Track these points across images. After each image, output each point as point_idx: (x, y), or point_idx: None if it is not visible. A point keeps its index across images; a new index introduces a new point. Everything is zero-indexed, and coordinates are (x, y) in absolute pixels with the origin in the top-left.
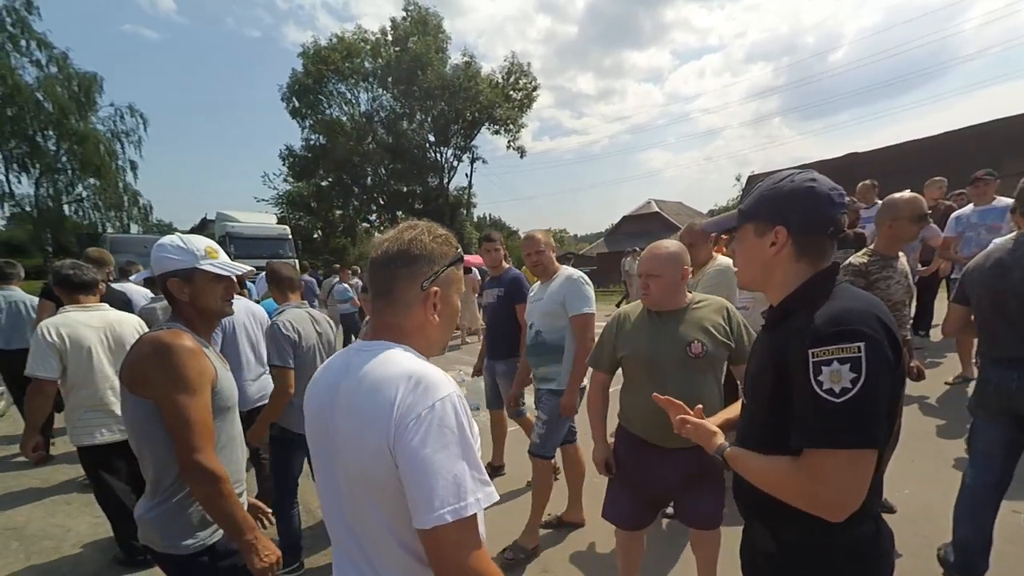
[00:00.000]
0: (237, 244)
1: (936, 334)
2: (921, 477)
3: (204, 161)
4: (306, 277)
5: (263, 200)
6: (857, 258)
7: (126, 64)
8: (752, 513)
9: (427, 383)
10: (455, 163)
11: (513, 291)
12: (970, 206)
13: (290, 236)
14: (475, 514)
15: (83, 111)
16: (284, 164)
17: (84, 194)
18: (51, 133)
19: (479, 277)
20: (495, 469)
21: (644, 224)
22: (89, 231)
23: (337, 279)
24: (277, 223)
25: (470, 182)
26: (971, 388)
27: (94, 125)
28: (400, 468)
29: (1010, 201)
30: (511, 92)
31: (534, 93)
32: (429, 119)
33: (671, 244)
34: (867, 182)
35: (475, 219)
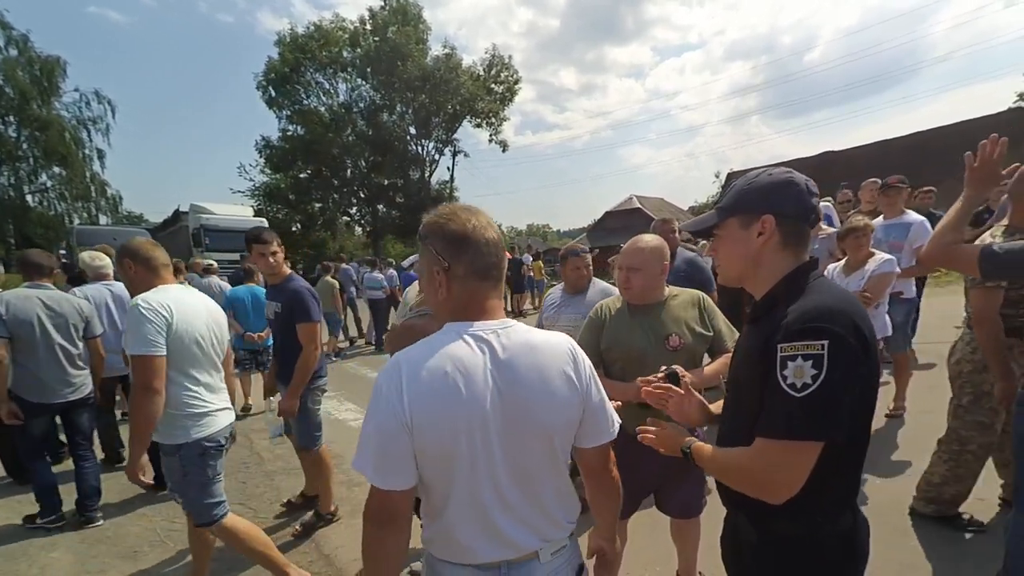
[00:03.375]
0: (212, 237)
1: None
2: (897, 470)
3: (177, 151)
4: (344, 266)
5: (239, 192)
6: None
7: (91, 48)
8: (734, 503)
9: (580, 349)
10: (437, 156)
11: (294, 306)
12: (880, 217)
13: (267, 229)
14: None
15: (46, 96)
16: (261, 155)
17: (48, 183)
18: (12, 119)
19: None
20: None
21: (626, 220)
22: (54, 222)
23: (369, 269)
24: (254, 216)
25: (452, 176)
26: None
27: (58, 111)
28: (588, 408)
29: (918, 217)
30: (493, 85)
31: (516, 86)
32: (410, 111)
33: (652, 238)
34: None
35: None
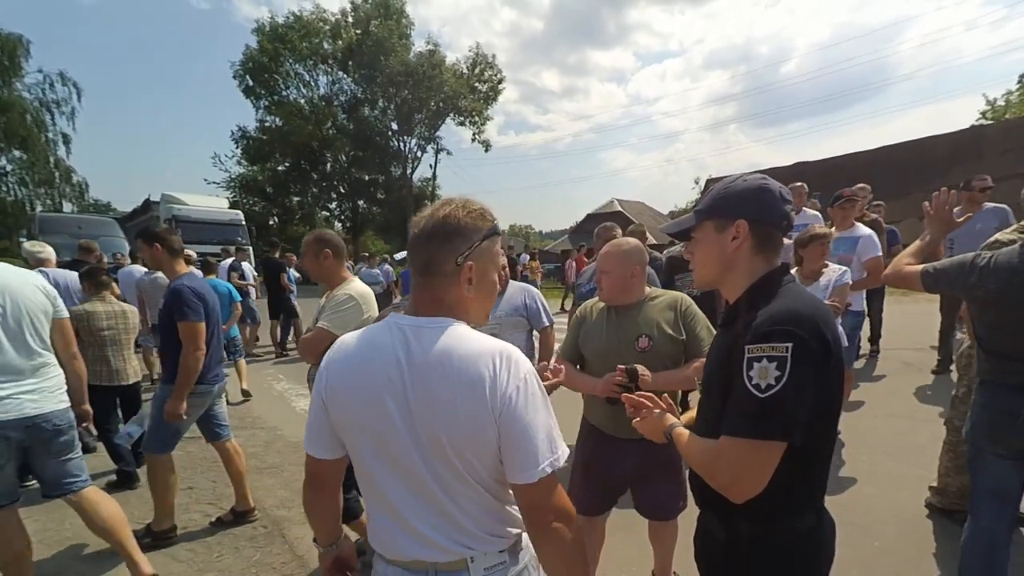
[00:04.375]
0: (185, 228)
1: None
2: (855, 471)
3: (148, 139)
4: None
5: (214, 183)
6: (1006, 234)
7: (57, 29)
8: (706, 502)
9: (515, 358)
10: (419, 153)
11: (173, 304)
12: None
13: (243, 222)
14: None
15: (6, 76)
16: (237, 146)
17: (8, 168)
18: None
19: None
20: (239, 515)
21: (607, 222)
22: (15, 208)
23: (365, 265)
24: (229, 208)
25: (434, 173)
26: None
27: (19, 92)
28: (504, 433)
29: (866, 231)
30: (476, 84)
31: (499, 86)
32: (392, 106)
33: (627, 243)
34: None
35: None
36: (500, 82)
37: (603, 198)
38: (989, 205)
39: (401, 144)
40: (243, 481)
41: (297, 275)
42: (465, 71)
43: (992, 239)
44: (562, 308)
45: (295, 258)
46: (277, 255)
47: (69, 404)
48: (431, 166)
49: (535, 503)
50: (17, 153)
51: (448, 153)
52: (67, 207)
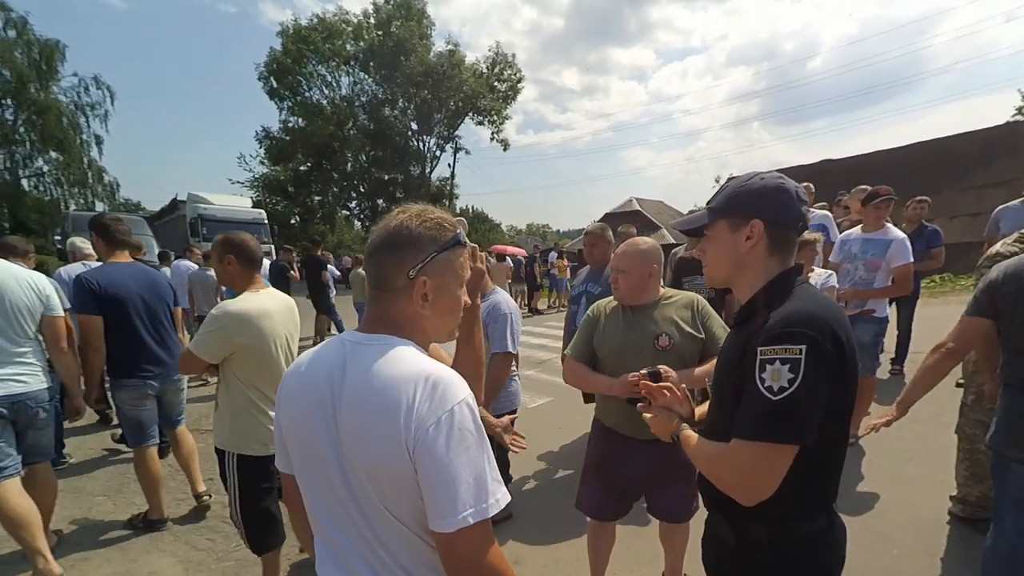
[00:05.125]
0: (210, 227)
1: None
2: (876, 476)
3: (175, 140)
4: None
5: (238, 183)
6: (1007, 245)
7: (91, 34)
8: (714, 504)
9: (444, 385)
10: (438, 152)
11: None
12: (857, 229)
13: (266, 220)
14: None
15: (44, 80)
16: (261, 146)
17: (45, 168)
18: (9, 102)
19: (511, 264)
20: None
21: (625, 221)
22: (50, 208)
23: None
24: (252, 207)
25: (453, 172)
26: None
27: (56, 96)
28: (421, 471)
29: (899, 235)
30: (495, 83)
31: (519, 85)
32: (412, 106)
33: (643, 242)
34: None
35: (457, 210)
36: (519, 81)
37: (622, 197)
38: (892, 231)
39: (420, 144)
40: (193, 467)
41: (337, 273)
42: (485, 71)
43: (992, 251)
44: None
45: (332, 256)
46: (319, 252)
47: (48, 385)
48: (449, 165)
49: (452, 557)
50: (54, 154)
51: (466, 152)
52: (99, 206)
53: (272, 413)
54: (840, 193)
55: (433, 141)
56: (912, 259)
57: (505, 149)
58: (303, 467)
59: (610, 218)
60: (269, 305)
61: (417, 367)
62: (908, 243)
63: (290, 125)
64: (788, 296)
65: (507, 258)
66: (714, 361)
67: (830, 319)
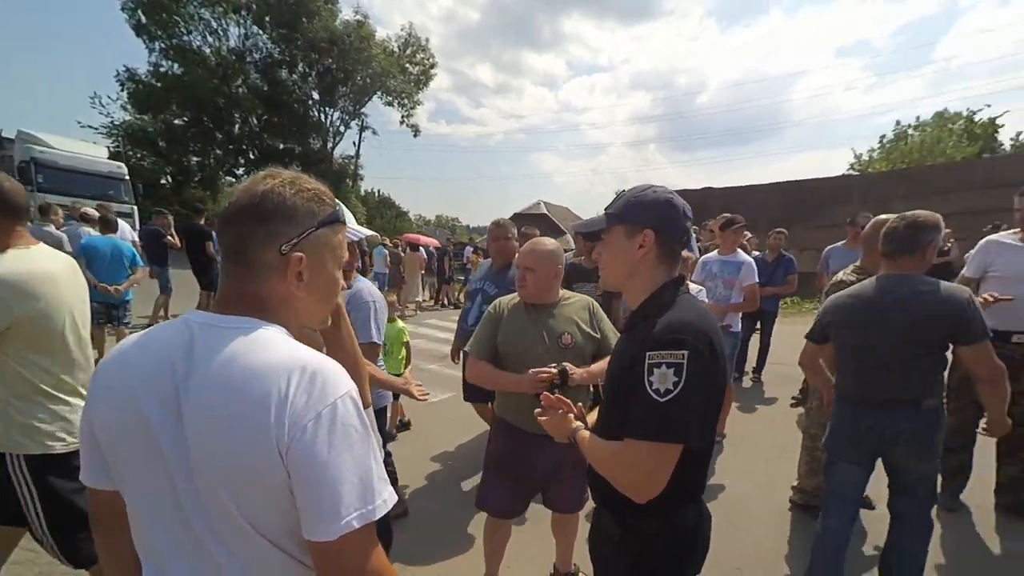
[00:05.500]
0: (47, 175)
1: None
2: (735, 471)
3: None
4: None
5: (89, 127)
6: (847, 275)
7: None
8: (603, 500)
9: (324, 377)
10: (342, 128)
11: None
12: (716, 251)
13: (127, 176)
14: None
15: None
16: (123, 89)
17: None
18: None
19: (425, 255)
20: None
21: (533, 223)
22: None
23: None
24: (110, 158)
25: (358, 151)
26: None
27: None
28: (296, 474)
29: (748, 259)
30: (407, 65)
31: (431, 71)
32: (314, 74)
33: (550, 242)
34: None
35: (362, 193)
36: (432, 67)
37: (531, 199)
38: (742, 255)
39: (323, 116)
40: None
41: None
42: (396, 50)
43: (837, 279)
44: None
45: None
46: (203, 221)
47: None
48: (354, 143)
49: (332, 567)
50: None
51: (374, 132)
52: None
53: (70, 401)
54: (706, 220)
55: (337, 115)
56: (757, 279)
57: (416, 135)
58: (130, 478)
59: (518, 219)
60: (52, 267)
61: (291, 355)
62: (755, 266)
63: (163, 70)
64: (672, 305)
65: (420, 248)
66: (607, 360)
67: (707, 328)
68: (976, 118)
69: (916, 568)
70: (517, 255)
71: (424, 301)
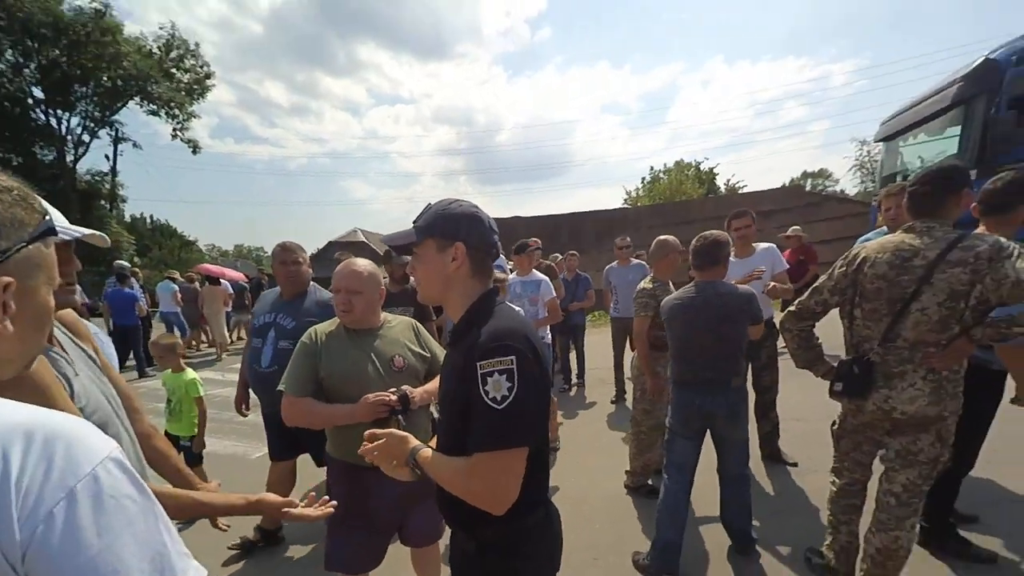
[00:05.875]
0: None
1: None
2: (572, 469)
3: None
4: None
5: None
6: (646, 283)
7: None
8: (455, 520)
9: (68, 440)
10: (86, 137)
11: None
12: (514, 274)
13: None
14: None
15: None
16: None
17: None
18: None
19: (231, 290)
20: None
21: (353, 251)
22: None
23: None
24: None
25: (114, 167)
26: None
27: None
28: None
29: (544, 277)
30: (174, 70)
31: (208, 81)
32: (33, 66)
33: (370, 265)
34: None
35: (127, 217)
36: (208, 76)
37: (347, 226)
38: (537, 275)
39: (54, 120)
40: None
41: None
42: (157, 51)
43: (641, 287)
44: None
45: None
46: None
47: None
48: (108, 158)
49: None
50: None
51: (135, 145)
52: None
53: None
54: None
55: (76, 121)
56: (555, 294)
57: (195, 152)
58: None
59: (335, 247)
60: None
61: (13, 417)
62: (550, 282)
63: None
64: (491, 314)
65: (222, 282)
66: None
67: (527, 333)
68: (702, 167)
69: (746, 512)
70: (334, 279)
71: (232, 343)
